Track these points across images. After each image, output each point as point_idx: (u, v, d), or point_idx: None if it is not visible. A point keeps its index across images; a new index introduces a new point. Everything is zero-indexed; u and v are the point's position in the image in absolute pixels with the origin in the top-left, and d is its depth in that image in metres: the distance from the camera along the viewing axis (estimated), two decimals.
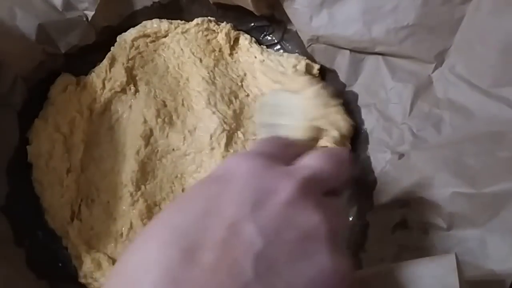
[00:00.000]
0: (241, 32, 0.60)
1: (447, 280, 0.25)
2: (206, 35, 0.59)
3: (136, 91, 0.55)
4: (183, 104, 0.54)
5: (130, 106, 0.54)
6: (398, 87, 0.48)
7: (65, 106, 0.53)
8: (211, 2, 0.61)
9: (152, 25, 0.59)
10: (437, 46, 0.44)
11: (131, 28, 0.59)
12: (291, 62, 0.55)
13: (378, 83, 0.50)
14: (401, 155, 0.46)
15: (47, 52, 0.54)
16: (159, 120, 0.52)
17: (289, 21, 0.57)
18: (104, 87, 0.55)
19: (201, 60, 0.57)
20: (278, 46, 0.61)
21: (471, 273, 0.31)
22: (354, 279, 0.28)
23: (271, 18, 0.60)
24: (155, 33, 0.58)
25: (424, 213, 0.39)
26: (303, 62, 0.56)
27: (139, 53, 0.57)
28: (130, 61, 0.56)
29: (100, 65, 0.57)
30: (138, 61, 0.57)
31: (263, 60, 0.57)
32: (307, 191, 0.26)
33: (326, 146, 0.49)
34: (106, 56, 0.57)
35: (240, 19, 0.61)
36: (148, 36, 0.58)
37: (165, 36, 0.59)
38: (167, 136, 0.51)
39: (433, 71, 0.45)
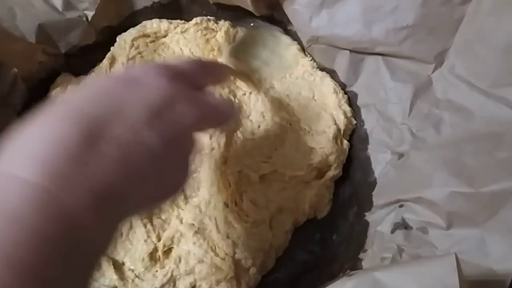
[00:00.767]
0: (240, 28, 0.60)
1: (447, 280, 0.25)
2: (205, 34, 0.59)
3: None
4: None
5: None
6: (398, 87, 0.48)
7: None
8: (211, 2, 0.61)
9: (152, 25, 0.59)
10: (436, 46, 0.45)
11: (131, 28, 0.59)
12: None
13: (378, 84, 0.50)
14: (400, 155, 0.46)
15: (47, 52, 0.54)
16: None
17: (288, 21, 0.57)
18: None
19: None
20: None
21: (470, 272, 0.31)
22: None
23: (270, 18, 0.60)
24: (155, 33, 0.59)
25: (423, 212, 0.39)
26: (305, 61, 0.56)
27: (139, 53, 0.57)
28: (130, 61, 0.56)
29: (100, 65, 0.57)
30: (138, 61, 0.57)
31: None
32: (202, 121, 0.33)
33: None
34: (106, 56, 0.57)
35: (239, 19, 0.61)
36: (148, 36, 0.59)
37: (164, 36, 0.59)
38: None
39: (433, 72, 0.45)
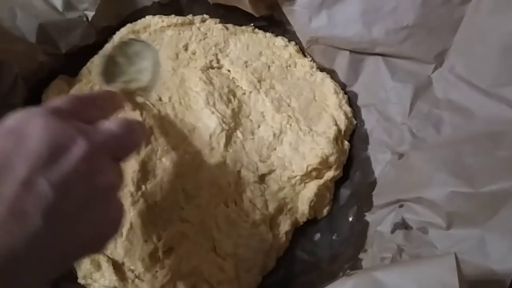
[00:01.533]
0: (237, 27, 0.61)
1: (447, 279, 0.25)
2: (202, 33, 0.59)
3: None
4: (181, 103, 0.54)
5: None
6: (398, 87, 0.48)
7: None
8: (210, 2, 0.61)
9: (143, 21, 0.60)
10: (436, 46, 0.45)
11: (122, 28, 0.59)
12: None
13: (378, 84, 0.50)
14: (400, 155, 0.46)
15: (47, 52, 0.54)
16: (159, 119, 0.52)
17: (288, 22, 0.57)
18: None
19: (196, 60, 0.57)
20: None
21: (470, 272, 0.31)
22: None
23: (270, 18, 0.60)
24: (145, 28, 0.59)
25: (423, 212, 0.39)
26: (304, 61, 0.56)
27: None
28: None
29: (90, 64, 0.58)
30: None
31: None
32: (99, 152, 0.29)
33: None
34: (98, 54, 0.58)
35: (239, 20, 0.61)
36: (137, 32, 0.59)
37: (157, 31, 0.60)
38: (166, 135, 0.51)
39: (433, 72, 0.45)
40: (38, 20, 0.52)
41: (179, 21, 0.60)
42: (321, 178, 0.50)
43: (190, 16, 0.61)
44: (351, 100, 0.54)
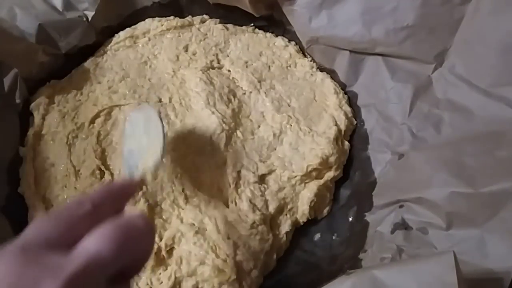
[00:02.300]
0: (237, 27, 0.61)
1: (446, 278, 0.25)
2: (202, 33, 0.59)
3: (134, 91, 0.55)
4: (181, 104, 0.54)
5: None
6: (398, 87, 0.48)
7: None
8: (210, 2, 0.61)
9: (142, 25, 0.60)
10: (436, 46, 0.45)
11: (121, 31, 0.60)
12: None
13: (378, 84, 0.50)
14: (400, 156, 0.46)
15: (47, 52, 0.54)
16: None
17: (288, 21, 0.57)
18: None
19: (196, 61, 0.57)
20: None
21: (470, 272, 0.31)
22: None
23: (270, 18, 0.60)
24: (144, 33, 0.59)
25: (423, 213, 0.39)
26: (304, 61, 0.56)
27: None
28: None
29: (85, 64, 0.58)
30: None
31: None
32: (82, 284, 0.23)
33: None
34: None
35: (239, 20, 0.61)
36: (137, 37, 0.59)
37: (157, 35, 0.60)
38: (167, 135, 0.51)
39: (433, 72, 0.45)
40: (38, 20, 0.52)
41: (179, 24, 0.60)
42: (321, 178, 0.50)
43: (189, 18, 0.61)
44: (351, 100, 0.54)
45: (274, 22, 0.60)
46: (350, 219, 0.49)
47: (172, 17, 0.61)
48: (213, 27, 0.61)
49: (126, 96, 0.54)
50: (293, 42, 0.59)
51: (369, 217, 0.46)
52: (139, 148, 0.44)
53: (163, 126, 0.44)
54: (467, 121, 0.40)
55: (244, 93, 0.55)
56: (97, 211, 0.27)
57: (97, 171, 0.49)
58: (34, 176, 0.49)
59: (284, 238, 0.48)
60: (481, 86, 0.40)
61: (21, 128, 0.52)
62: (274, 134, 0.52)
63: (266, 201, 0.49)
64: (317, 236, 0.50)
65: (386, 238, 0.42)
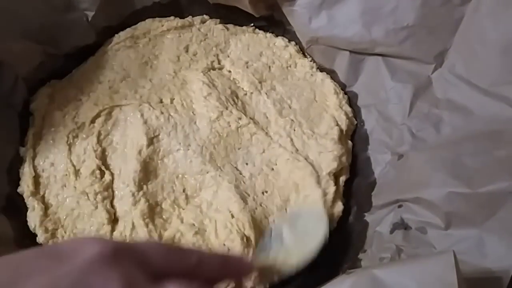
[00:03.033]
0: (237, 27, 0.61)
1: (446, 277, 0.25)
2: (203, 34, 0.59)
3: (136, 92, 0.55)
4: (183, 105, 0.54)
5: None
6: (398, 87, 0.48)
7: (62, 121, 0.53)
8: (210, 3, 0.61)
9: (143, 26, 0.60)
10: (436, 46, 0.45)
11: (121, 31, 0.60)
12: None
13: (378, 84, 0.50)
14: (400, 156, 0.46)
15: (47, 52, 0.54)
16: (161, 120, 0.52)
17: (288, 22, 0.57)
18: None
19: (197, 62, 0.57)
20: None
21: (469, 272, 0.31)
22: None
23: (270, 19, 0.60)
24: (144, 33, 0.59)
25: (422, 213, 0.39)
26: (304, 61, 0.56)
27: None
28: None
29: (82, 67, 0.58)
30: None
31: None
32: None
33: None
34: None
35: (239, 20, 0.61)
36: (137, 37, 0.59)
37: (157, 35, 0.60)
38: (169, 136, 0.51)
39: (433, 72, 0.45)
40: (38, 20, 0.52)
41: (179, 24, 0.60)
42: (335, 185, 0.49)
43: (189, 18, 0.61)
44: (351, 100, 0.54)
45: (274, 22, 0.60)
46: (350, 219, 0.49)
47: (172, 17, 0.61)
48: (213, 28, 0.61)
49: (127, 96, 0.54)
50: (293, 42, 0.59)
51: (368, 217, 0.46)
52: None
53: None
54: (467, 121, 0.40)
55: (245, 94, 0.55)
56: (198, 267, 0.28)
57: (97, 171, 0.49)
58: (34, 176, 0.49)
59: None
60: (481, 86, 0.40)
61: (21, 128, 0.52)
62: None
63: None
64: None
65: (385, 238, 0.42)
